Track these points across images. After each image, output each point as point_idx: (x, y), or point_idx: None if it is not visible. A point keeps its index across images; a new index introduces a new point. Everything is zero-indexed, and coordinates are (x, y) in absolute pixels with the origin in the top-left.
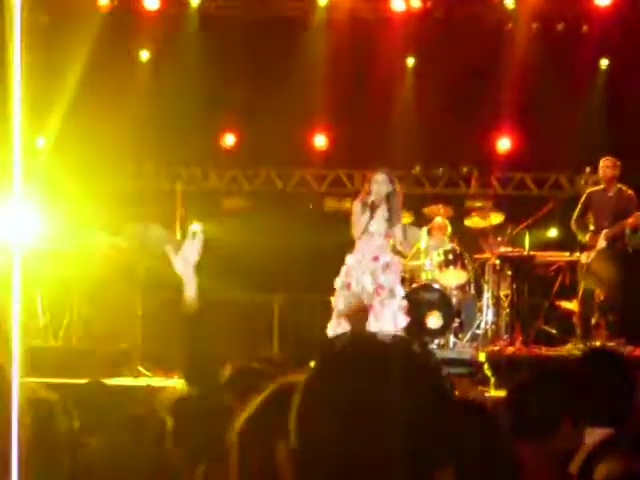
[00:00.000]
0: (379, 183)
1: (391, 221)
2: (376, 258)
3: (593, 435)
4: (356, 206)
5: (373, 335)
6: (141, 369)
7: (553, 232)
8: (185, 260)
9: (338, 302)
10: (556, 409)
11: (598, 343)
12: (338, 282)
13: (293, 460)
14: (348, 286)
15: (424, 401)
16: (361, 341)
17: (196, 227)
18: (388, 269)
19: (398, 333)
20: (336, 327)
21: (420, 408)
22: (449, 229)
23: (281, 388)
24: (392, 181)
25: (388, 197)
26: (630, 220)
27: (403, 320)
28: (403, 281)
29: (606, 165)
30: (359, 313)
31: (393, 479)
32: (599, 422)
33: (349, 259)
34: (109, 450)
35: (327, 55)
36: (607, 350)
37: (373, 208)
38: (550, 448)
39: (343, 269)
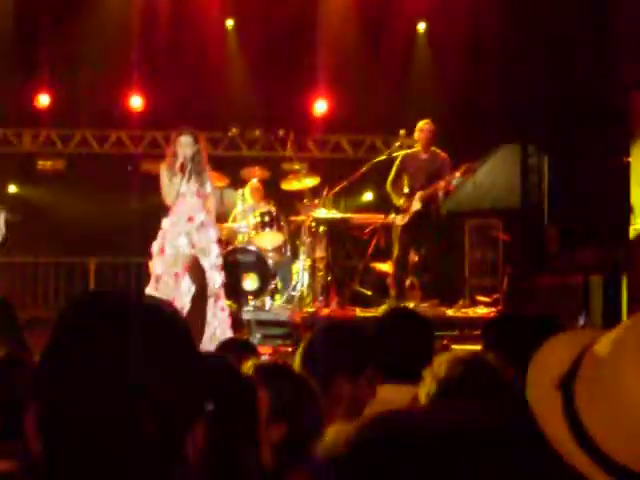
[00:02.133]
0: (183, 145)
1: (200, 180)
2: (191, 219)
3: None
4: (163, 171)
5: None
6: None
7: (369, 195)
8: None
9: (155, 267)
10: (333, 362)
11: (412, 304)
12: (155, 246)
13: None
14: (162, 250)
15: (167, 355)
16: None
17: None
18: (203, 228)
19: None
20: (153, 291)
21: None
22: (261, 190)
23: None
24: (196, 140)
25: (193, 157)
26: (441, 184)
27: (219, 278)
28: (220, 243)
29: (421, 128)
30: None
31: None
32: (393, 377)
33: (165, 222)
34: None
35: (143, 14)
36: (405, 309)
37: (182, 169)
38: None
39: (159, 233)
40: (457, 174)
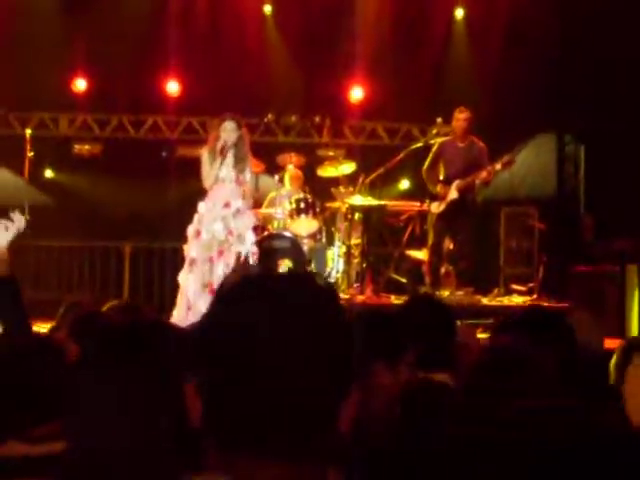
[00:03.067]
0: (227, 130)
1: (240, 166)
2: (227, 204)
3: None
4: (204, 155)
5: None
6: None
7: (405, 183)
8: None
9: (190, 250)
10: (370, 348)
11: (447, 292)
12: (190, 230)
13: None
14: (198, 234)
15: (325, 323)
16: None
17: (18, 216)
18: (239, 214)
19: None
20: (187, 274)
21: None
22: (301, 178)
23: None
24: (239, 127)
25: (236, 143)
26: (482, 174)
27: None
28: (255, 229)
29: (458, 117)
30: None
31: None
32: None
33: (201, 206)
34: None
35: (181, 1)
36: (429, 297)
37: (223, 153)
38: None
39: (195, 217)
40: (497, 166)
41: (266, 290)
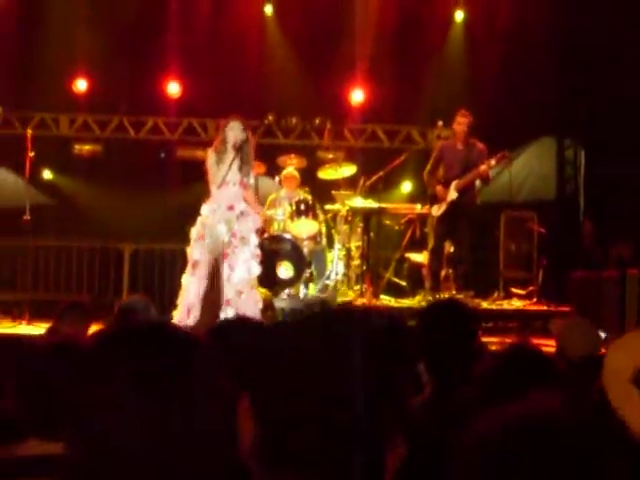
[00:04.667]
0: (234, 130)
1: (245, 170)
2: (231, 207)
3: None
4: (211, 156)
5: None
6: None
7: (407, 185)
8: None
9: (193, 252)
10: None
11: (447, 295)
12: (193, 232)
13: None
14: (202, 237)
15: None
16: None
17: None
18: (242, 217)
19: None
20: (189, 276)
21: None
22: (297, 178)
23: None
24: (245, 129)
25: (241, 145)
26: (482, 168)
27: (256, 268)
28: (257, 231)
29: (460, 120)
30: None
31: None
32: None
33: (204, 209)
34: None
35: (181, 1)
36: (451, 302)
37: (236, 149)
38: None
39: (198, 219)
40: (492, 161)
41: (329, 323)
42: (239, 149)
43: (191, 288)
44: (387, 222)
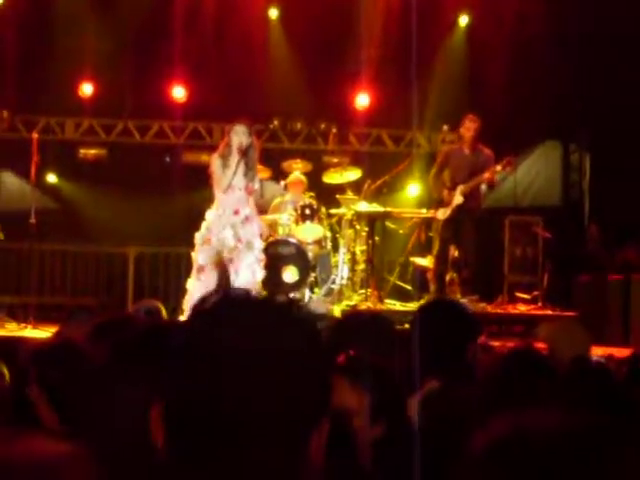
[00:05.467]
0: (239, 133)
1: (250, 174)
2: (236, 212)
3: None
4: (215, 161)
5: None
6: None
7: (412, 189)
8: None
9: (198, 257)
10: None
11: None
12: (198, 237)
13: (164, 416)
14: (208, 241)
15: (298, 351)
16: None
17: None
18: (247, 222)
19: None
20: (195, 281)
21: (294, 359)
22: (303, 183)
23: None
24: (250, 133)
25: (246, 150)
26: (486, 175)
27: (260, 273)
28: (261, 235)
29: (469, 125)
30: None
31: (266, 434)
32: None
33: (209, 214)
34: None
35: (187, 4)
36: (442, 301)
37: (242, 152)
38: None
39: (203, 224)
40: (498, 167)
41: (240, 314)
42: (244, 153)
43: (197, 293)
44: (392, 226)
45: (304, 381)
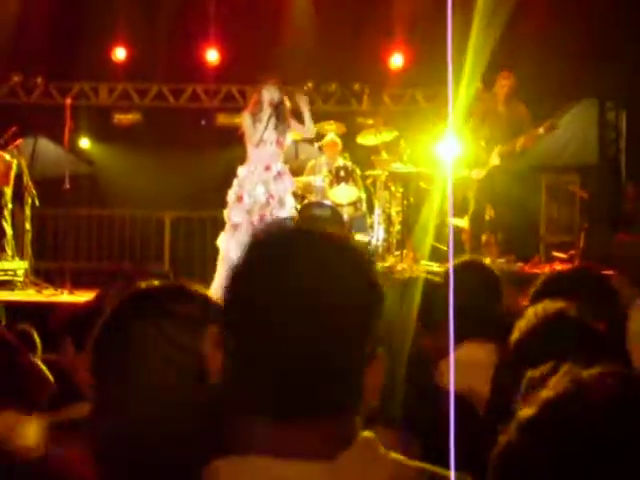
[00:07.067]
0: (270, 91)
1: (281, 128)
2: (268, 167)
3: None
4: (246, 118)
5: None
6: None
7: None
8: None
9: (231, 214)
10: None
11: (488, 260)
12: (231, 195)
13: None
14: (240, 198)
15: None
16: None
17: None
18: (279, 178)
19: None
20: (229, 239)
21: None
22: (337, 145)
23: None
24: (281, 91)
25: (277, 104)
26: (522, 140)
27: None
28: (295, 197)
29: (502, 82)
30: None
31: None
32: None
33: (241, 171)
34: None
35: None
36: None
37: (273, 106)
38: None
39: (235, 181)
40: (540, 130)
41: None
42: (276, 107)
43: (231, 251)
44: (427, 187)
45: (351, 318)
